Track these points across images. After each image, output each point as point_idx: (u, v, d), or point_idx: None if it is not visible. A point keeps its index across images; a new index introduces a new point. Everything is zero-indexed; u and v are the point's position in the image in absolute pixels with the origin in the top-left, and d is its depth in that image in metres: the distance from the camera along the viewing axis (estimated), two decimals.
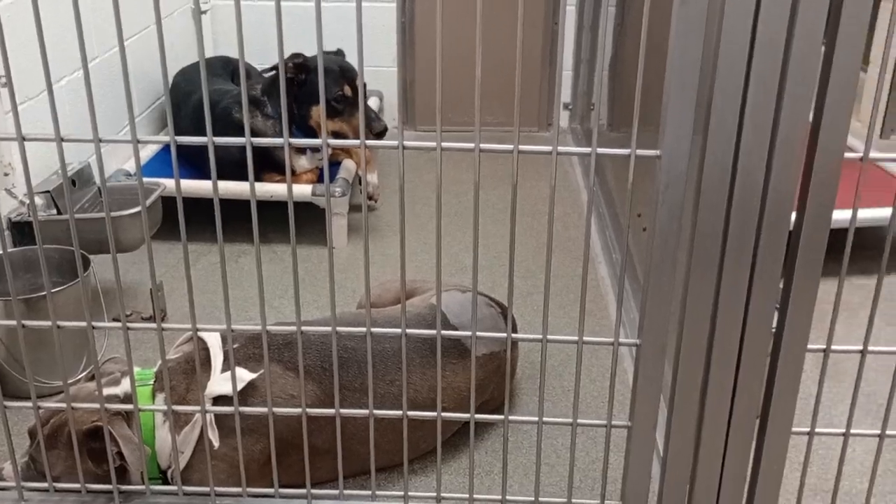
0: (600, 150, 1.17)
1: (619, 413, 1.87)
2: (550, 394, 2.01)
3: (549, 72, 3.74)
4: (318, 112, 2.73)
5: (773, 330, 1.31)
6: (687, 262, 1.26)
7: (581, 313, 1.30)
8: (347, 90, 2.75)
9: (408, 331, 1.29)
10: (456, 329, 1.77)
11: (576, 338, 1.30)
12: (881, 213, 2.43)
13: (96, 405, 1.36)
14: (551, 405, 1.97)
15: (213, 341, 1.62)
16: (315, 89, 2.69)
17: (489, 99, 3.64)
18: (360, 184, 2.99)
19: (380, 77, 3.68)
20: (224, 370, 1.57)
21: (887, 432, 1.39)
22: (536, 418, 1.35)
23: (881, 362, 2.07)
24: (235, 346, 1.63)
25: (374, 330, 1.29)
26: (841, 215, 1.20)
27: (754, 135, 1.15)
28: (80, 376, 2.02)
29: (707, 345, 1.30)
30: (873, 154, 1.20)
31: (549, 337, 1.32)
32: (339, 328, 1.29)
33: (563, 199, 3.09)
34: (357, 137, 2.81)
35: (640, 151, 1.17)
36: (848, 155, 1.17)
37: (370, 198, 2.98)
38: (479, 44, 1.13)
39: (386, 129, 2.80)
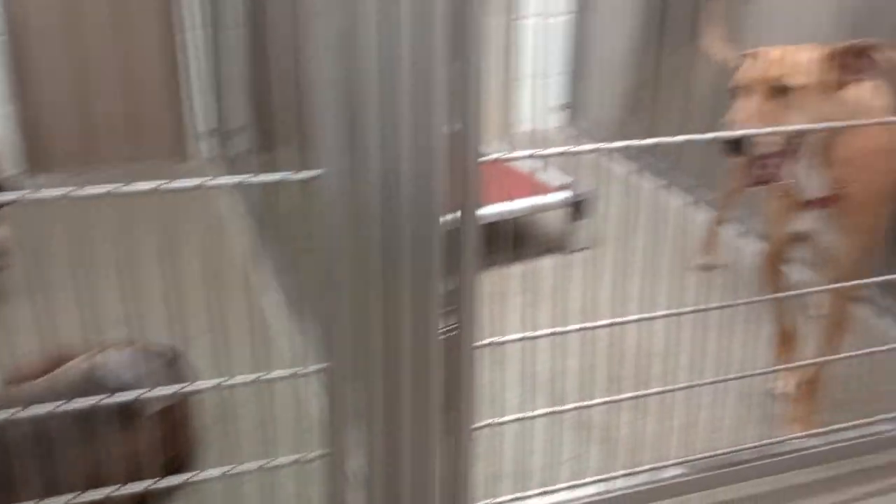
0: (253, 179, 1.12)
1: (312, 442, 1.83)
2: (238, 437, 1.91)
3: (180, 99, 3.58)
4: None
5: (446, 331, 1.35)
6: (355, 280, 1.25)
7: (255, 347, 1.23)
8: None
9: (62, 405, 1.13)
10: (122, 390, 1.61)
11: (255, 375, 1.24)
12: (515, 206, 2.64)
13: None
14: (240, 449, 1.87)
15: None
16: None
17: (120, 136, 3.40)
18: None
19: None
20: None
21: (556, 408, 1.50)
22: (222, 471, 1.26)
23: (540, 342, 2.24)
24: None
25: (22, 412, 1.11)
26: (487, 211, 1.27)
27: (402, 148, 1.17)
28: None
29: (387, 358, 1.30)
30: (508, 154, 1.28)
31: (226, 379, 1.24)
32: None
33: (218, 231, 2.97)
34: None
35: (296, 175, 1.13)
36: (487, 157, 1.23)
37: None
38: (99, 79, 1.02)
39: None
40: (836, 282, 1.64)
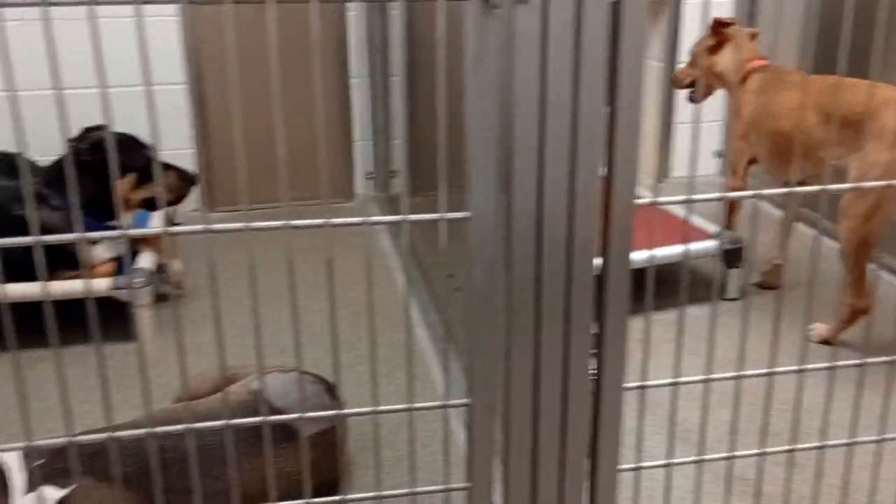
0: (410, 217, 1.18)
1: (455, 475, 1.87)
2: (385, 464, 1.98)
3: (346, 143, 3.78)
4: (122, 186, 2.65)
5: (592, 373, 1.37)
6: (505, 318, 1.29)
7: (408, 380, 1.29)
8: (153, 152, 2.69)
9: (232, 421, 1.23)
10: (282, 412, 1.72)
11: (405, 406, 1.29)
12: (667, 252, 2.62)
13: None
14: (387, 475, 1.94)
15: (12, 461, 1.47)
16: (117, 165, 2.64)
17: (290, 174, 3.62)
18: (162, 272, 2.86)
19: (176, 159, 3.58)
20: (28, 491, 1.42)
21: (705, 457, 1.47)
22: (374, 493, 1.32)
23: (685, 389, 2.20)
24: (39, 462, 1.49)
25: (194, 425, 1.21)
26: (637, 256, 1.28)
27: (554, 189, 1.20)
28: None
29: (532, 396, 1.33)
30: (661, 198, 1.29)
31: (379, 408, 1.30)
32: (155, 428, 1.20)
33: (375, 267, 3.10)
34: (169, 197, 2.77)
35: (449, 214, 1.19)
36: (640, 201, 1.25)
37: (175, 285, 2.86)
38: (279, 123, 1.12)
39: (195, 176, 2.82)
40: None
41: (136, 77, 3.41)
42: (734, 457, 1.48)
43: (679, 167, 3.90)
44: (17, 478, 1.44)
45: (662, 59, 3.79)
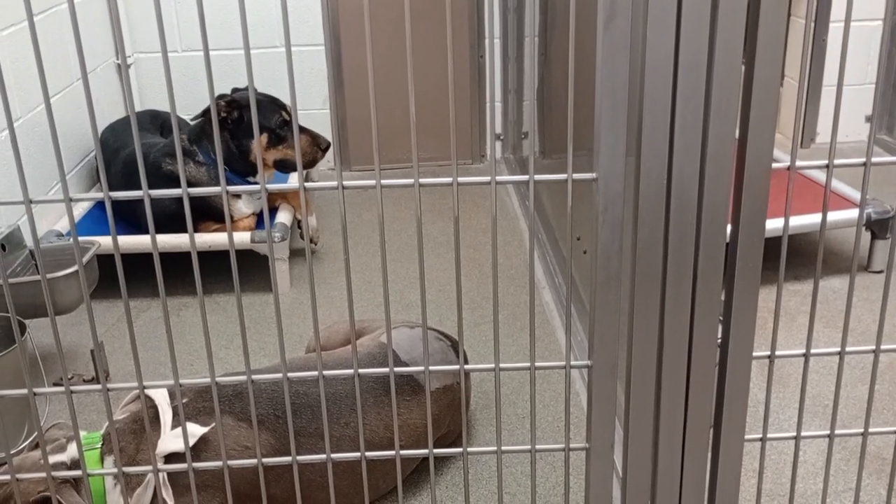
0: (538, 177, 1.19)
1: (576, 436, 1.88)
2: (506, 422, 2.01)
3: (477, 104, 3.79)
4: (258, 145, 2.76)
5: (719, 341, 1.34)
6: (630, 281, 1.28)
7: (531, 339, 1.30)
8: (286, 115, 2.77)
9: (360, 371, 1.28)
10: (407, 365, 1.77)
11: (527, 364, 1.31)
12: (809, 220, 2.51)
13: (42, 474, 1.32)
14: (508, 433, 1.97)
15: (161, 398, 1.58)
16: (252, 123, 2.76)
17: (421, 135, 3.67)
18: (298, 227, 2.98)
19: (311, 120, 3.70)
20: (174, 426, 1.53)
21: (836, 432, 1.42)
22: (495, 448, 1.35)
23: (823, 364, 2.12)
24: (184, 400, 1.60)
25: (326, 373, 1.27)
26: (772, 224, 1.24)
27: (685, 152, 1.18)
28: (22, 446, 1.95)
29: (656, 360, 1.32)
30: (798, 163, 1.24)
31: (502, 365, 1.32)
32: (290, 374, 1.27)
33: (502, 228, 3.12)
34: (303, 159, 2.86)
35: (576, 175, 1.19)
36: (775, 165, 1.20)
37: (310, 241, 2.97)
38: (411, 81, 1.14)
39: (330, 143, 2.87)
40: None
41: (277, 39, 3.53)
42: (867, 433, 1.43)
43: (825, 132, 3.71)
44: (166, 413, 1.55)
45: (810, 17, 3.59)
